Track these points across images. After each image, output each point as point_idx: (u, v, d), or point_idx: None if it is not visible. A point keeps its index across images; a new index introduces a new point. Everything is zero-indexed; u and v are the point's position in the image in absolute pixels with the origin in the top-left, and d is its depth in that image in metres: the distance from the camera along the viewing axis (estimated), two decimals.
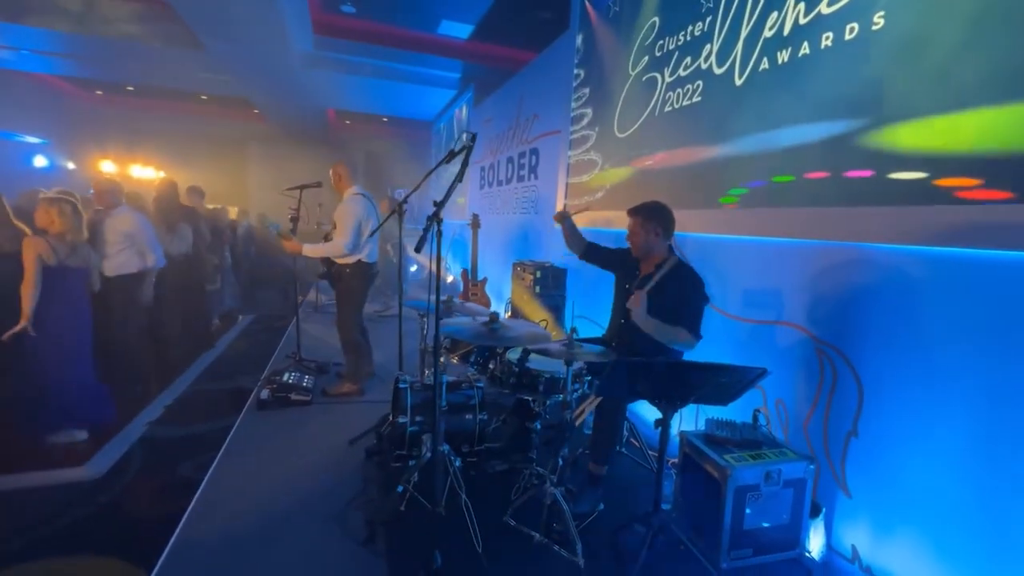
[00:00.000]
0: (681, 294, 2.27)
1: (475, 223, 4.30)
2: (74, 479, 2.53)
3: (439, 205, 2.62)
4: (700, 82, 2.96)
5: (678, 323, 2.24)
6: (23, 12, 5.88)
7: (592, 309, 3.99)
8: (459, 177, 1.96)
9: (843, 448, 2.14)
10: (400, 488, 2.08)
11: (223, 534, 2.07)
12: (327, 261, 3.60)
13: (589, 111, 4.18)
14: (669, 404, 1.74)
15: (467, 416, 2.40)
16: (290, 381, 3.43)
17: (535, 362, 2.22)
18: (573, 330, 2.03)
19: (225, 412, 3.38)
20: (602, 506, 2.24)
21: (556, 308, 4.04)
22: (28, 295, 2.54)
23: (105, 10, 5.90)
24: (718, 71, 2.81)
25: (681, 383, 1.68)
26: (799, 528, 2.04)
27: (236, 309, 6.33)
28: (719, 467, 1.94)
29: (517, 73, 5.98)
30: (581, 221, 3.03)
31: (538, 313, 3.91)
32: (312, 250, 3.50)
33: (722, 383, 1.69)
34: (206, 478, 2.48)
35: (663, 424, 1.77)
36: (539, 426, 2.37)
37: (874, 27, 2.00)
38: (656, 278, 2.29)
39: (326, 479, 2.50)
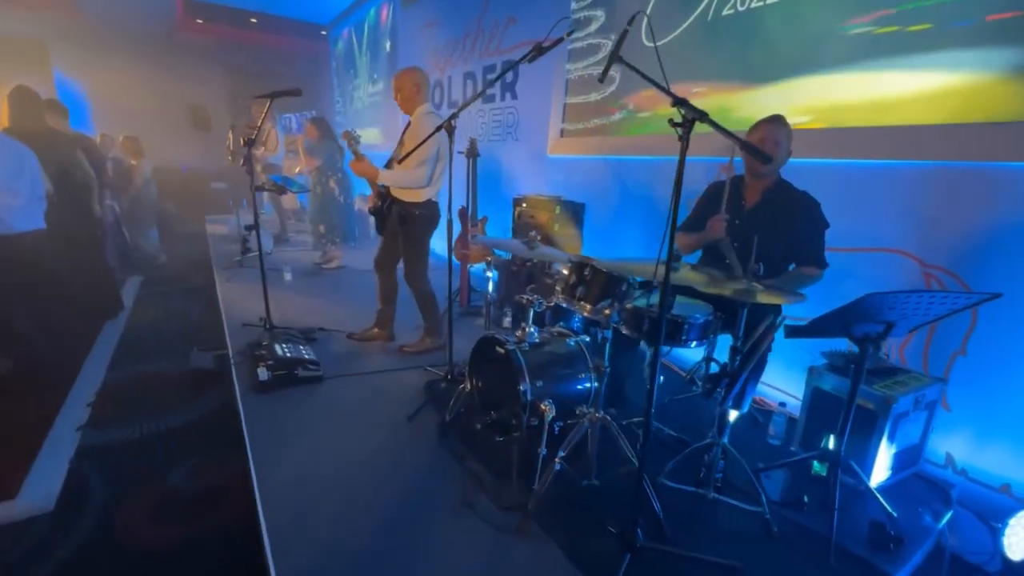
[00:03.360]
0: (806, 222, 2.27)
1: (472, 150, 3.90)
2: (9, 518, 2.01)
3: (454, 116, 2.34)
4: None
5: (802, 258, 2.27)
6: None
7: (610, 248, 3.92)
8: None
9: (947, 366, 2.40)
10: (558, 466, 1.91)
11: (329, 544, 1.75)
12: (382, 194, 3.10)
13: (600, 13, 3.89)
14: (871, 340, 1.76)
15: (581, 376, 2.25)
16: (288, 354, 2.93)
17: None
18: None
19: (189, 401, 2.94)
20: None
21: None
22: None
23: None
24: None
25: (901, 316, 1.69)
26: (923, 445, 2.28)
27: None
28: (878, 398, 2.05)
29: None
30: None
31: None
32: (388, 176, 2.96)
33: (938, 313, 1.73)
34: (256, 484, 2.05)
35: (859, 363, 1.80)
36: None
37: None
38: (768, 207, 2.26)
39: (411, 462, 2.22)
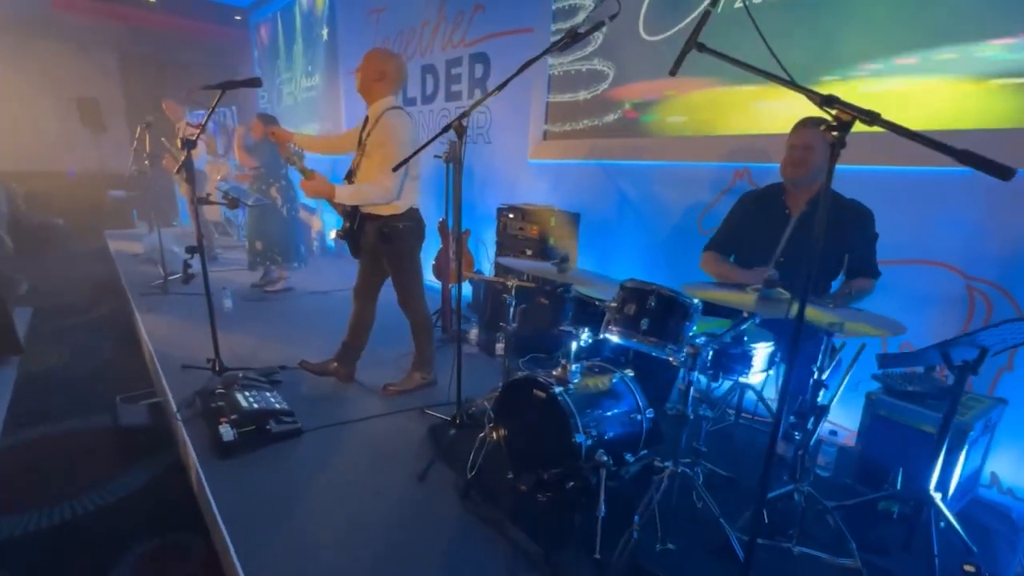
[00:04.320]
0: (859, 232, 2.21)
1: (454, 154, 3.62)
2: None
3: (465, 115, 2.10)
4: None
5: (853, 270, 2.20)
6: None
7: (606, 263, 3.78)
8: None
9: (991, 383, 2.42)
10: (635, 534, 1.69)
11: None
12: (348, 214, 2.72)
13: (588, 2, 3.75)
14: (969, 367, 1.69)
15: (633, 416, 2.05)
16: (255, 405, 2.53)
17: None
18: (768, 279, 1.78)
19: (118, 471, 2.46)
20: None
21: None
22: None
23: None
24: None
25: (1000, 340, 1.63)
26: (981, 469, 2.27)
27: None
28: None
29: None
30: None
31: None
32: (351, 194, 2.57)
33: None
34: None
35: (956, 392, 1.72)
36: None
37: None
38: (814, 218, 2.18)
39: (432, 533, 1.92)
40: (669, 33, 3.29)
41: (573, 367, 2.01)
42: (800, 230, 2.27)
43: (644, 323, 1.78)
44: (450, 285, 3.80)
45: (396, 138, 2.54)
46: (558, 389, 1.89)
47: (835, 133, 1.12)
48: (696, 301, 1.80)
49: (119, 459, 2.57)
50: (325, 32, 6.80)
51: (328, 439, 2.55)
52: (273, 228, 4.69)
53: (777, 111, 2.84)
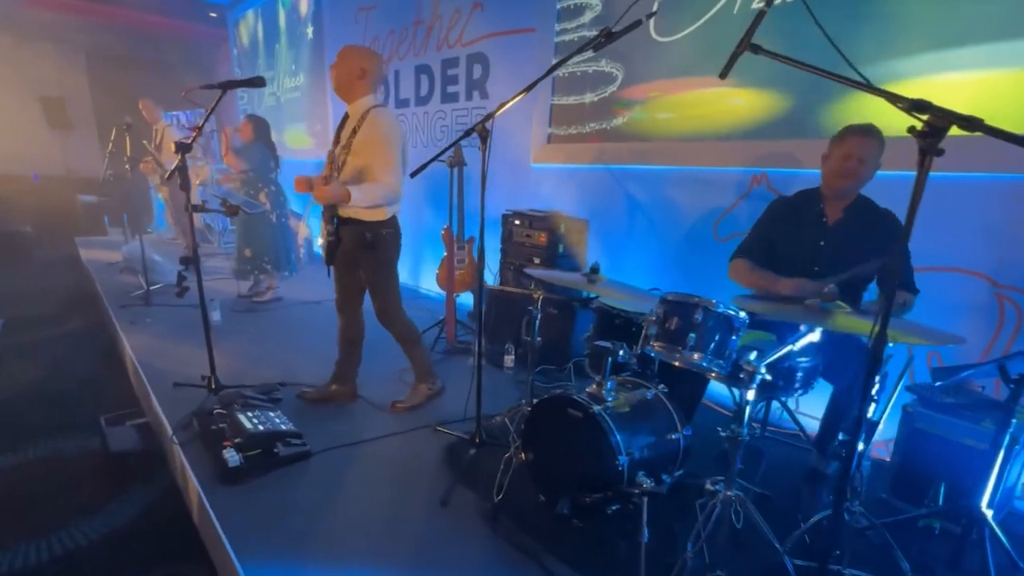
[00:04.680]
0: (890, 242, 2.18)
1: (457, 158, 3.53)
2: None
3: (489, 117, 2.03)
4: None
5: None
6: None
7: (617, 271, 3.73)
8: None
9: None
10: (690, 562, 1.62)
11: None
12: (340, 222, 2.62)
13: (595, 1, 3.70)
14: None
15: (669, 435, 1.99)
16: (260, 427, 2.41)
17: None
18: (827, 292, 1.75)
19: (108, 501, 2.33)
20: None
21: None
22: None
23: None
24: None
25: None
26: (1018, 482, 2.27)
27: None
28: (989, 436, 1.98)
29: None
30: None
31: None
32: (362, 197, 2.46)
33: None
34: None
35: (1010, 407, 1.70)
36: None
37: None
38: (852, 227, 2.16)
39: (465, 564, 1.83)
40: (683, 34, 3.26)
41: (609, 383, 1.94)
42: (838, 238, 2.23)
43: (691, 338, 1.72)
44: (454, 294, 3.70)
45: (388, 136, 2.48)
46: (597, 408, 1.82)
47: (927, 140, 1.07)
48: (743, 314, 1.75)
49: (109, 485, 2.43)
50: (310, 30, 6.67)
51: (339, 461, 2.44)
52: (263, 235, 4.54)
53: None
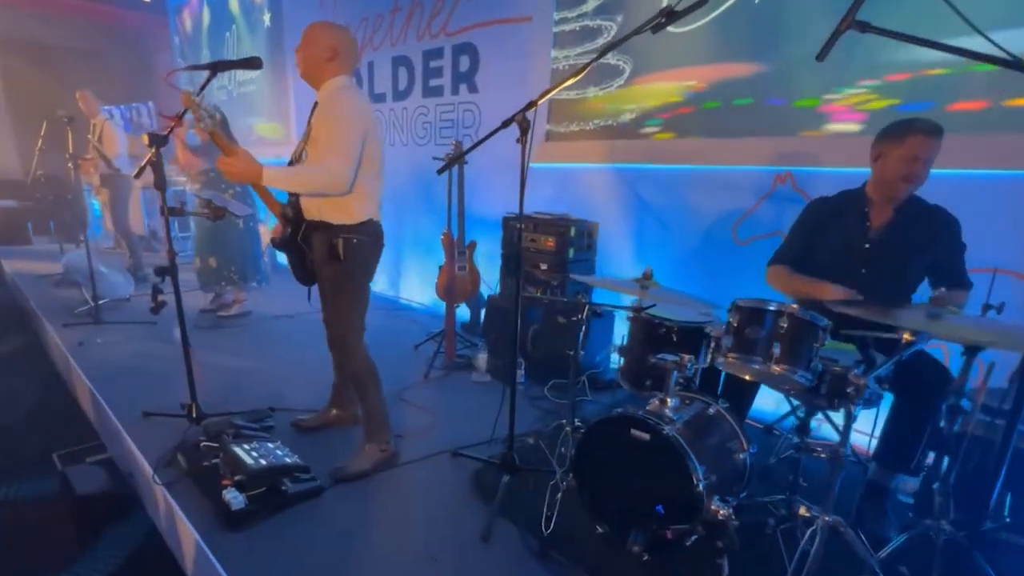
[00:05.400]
0: (948, 240, 2.17)
1: (457, 156, 3.34)
2: None
3: (532, 105, 1.87)
4: None
5: (943, 281, 2.16)
6: None
7: (627, 275, 3.65)
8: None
9: None
10: None
11: None
12: (286, 215, 2.32)
13: None
14: None
15: (737, 454, 1.90)
16: (263, 461, 2.17)
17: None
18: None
19: (74, 556, 2.06)
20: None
21: None
22: None
23: None
24: None
25: None
26: None
27: None
28: None
29: None
30: None
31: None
32: (286, 178, 2.10)
33: None
34: None
35: None
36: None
37: None
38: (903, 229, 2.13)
39: None
40: (698, 24, 3.21)
41: (672, 400, 1.84)
42: (887, 240, 2.19)
43: (776, 348, 1.63)
44: (455, 305, 3.53)
45: (348, 115, 2.13)
46: (668, 429, 1.71)
47: None
48: (826, 321, 1.68)
49: (80, 534, 2.15)
50: (267, 17, 6.33)
51: (354, 496, 2.23)
52: (230, 242, 4.22)
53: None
